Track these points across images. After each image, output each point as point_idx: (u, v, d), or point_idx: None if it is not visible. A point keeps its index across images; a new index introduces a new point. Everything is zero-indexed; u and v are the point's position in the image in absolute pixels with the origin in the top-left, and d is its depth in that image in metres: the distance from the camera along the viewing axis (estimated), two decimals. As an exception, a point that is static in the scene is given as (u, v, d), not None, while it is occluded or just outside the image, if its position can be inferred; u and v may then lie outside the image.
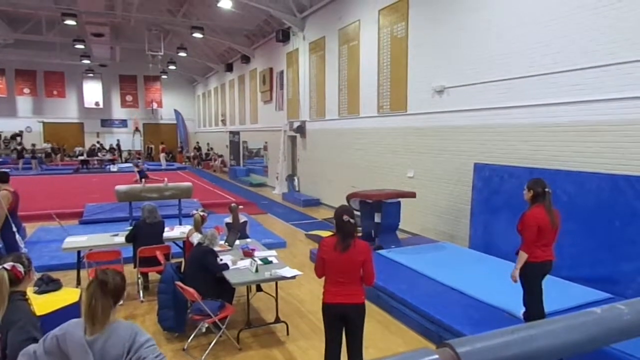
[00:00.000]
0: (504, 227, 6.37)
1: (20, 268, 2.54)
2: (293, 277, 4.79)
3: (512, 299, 4.41)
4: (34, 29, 20.22)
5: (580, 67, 5.73)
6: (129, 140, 29.98)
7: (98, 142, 27.99)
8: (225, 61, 22.33)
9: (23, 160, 22.40)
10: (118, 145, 28.80)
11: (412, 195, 7.68)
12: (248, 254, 5.38)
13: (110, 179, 16.59)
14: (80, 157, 24.21)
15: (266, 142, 18.18)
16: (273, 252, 5.69)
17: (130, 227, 6.60)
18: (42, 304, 3.58)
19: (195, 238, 5.32)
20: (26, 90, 26.75)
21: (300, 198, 13.55)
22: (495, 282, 5.10)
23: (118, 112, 29.79)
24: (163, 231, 6.28)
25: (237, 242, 5.99)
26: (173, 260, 5.76)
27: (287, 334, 4.85)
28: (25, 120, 27.34)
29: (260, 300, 5.62)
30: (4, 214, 5.60)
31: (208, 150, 27.96)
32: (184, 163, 28.06)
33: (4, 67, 25.63)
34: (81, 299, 3.94)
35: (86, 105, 28.29)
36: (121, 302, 2.24)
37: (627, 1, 5.18)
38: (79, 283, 6.02)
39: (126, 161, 27.64)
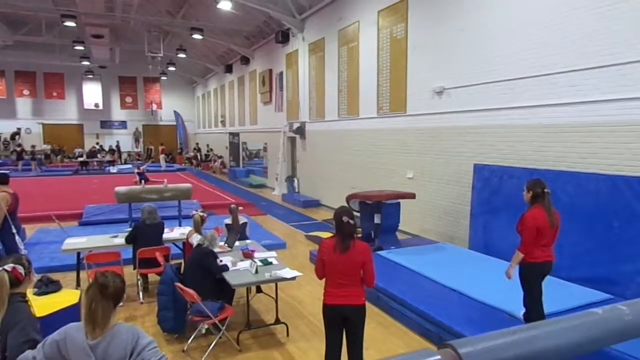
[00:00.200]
0: (503, 228, 6.37)
1: (21, 270, 2.54)
2: (293, 278, 4.80)
3: (512, 300, 4.41)
4: (33, 31, 20.23)
5: (579, 68, 5.74)
6: (129, 141, 30.00)
7: (97, 144, 27.98)
8: (224, 62, 22.35)
9: (23, 162, 22.42)
10: (117, 146, 28.80)
11: (411, 196, 7.69)
12: (248, 255, 5.38)
13: (110, 181, 16.59)
14: (80, 159, 24.21)
15: (266, 143, 18.18)
16: (273, 253, 5.69)
17: (130, 229, 6.60)
18: (42, 305, 3.57)
19: (195, 239, 5.32)
20: (26, 92, 26.74)
21: (300, 199, 13.55)
22: (495, 283, 5.09)
23: (117, 113, 29.80)
24: (163, 232, 6.28)
25: (237, 243, 5.99)
26: (173, 262, 5.75)
27: (287, 335, 4.85)
28: (24, 121, 27.34)
29: (260, 301, 5.62)
30: (3, 216, 5.60)
31: (208, 151, 27.96)
32: (183, 164, 28.05)
33: (3, 69, 25.61)
34: (81, 300, 3.93)
35: (86, 107, 28.27)
36: (121, 303, 2.24)
37: (627, 2, 5.19)
38: (78, 284, 6.02)
39: (125, 162, 27.64)
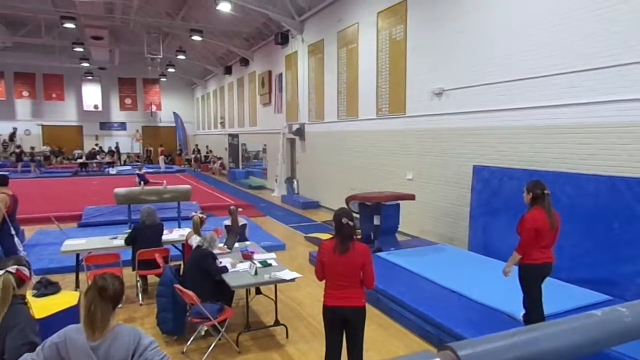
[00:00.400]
0: (503, 229, 6.37)
1: (25, 271, 2.54)
2: (292, 280, 4.79)
3: (512, 301, 4.41)
4: (33, 32, 20.23)
5: (578, 69, 5.74)
6: (128, 143, 30.00)
7: (97, 145, 27.97)
8: (224, 64, 22.36)
9: (22, 163, 22.40)
10: (117, 148, 28.80)
11: (411, 197, 7.68)
12: (247, 256, 5.38)
13: (109, 182, 16.59)
14: (79, 160, 24.20)
15: (265, 145, 18.18)
16: (272, 255, 5.68)
17: (129, 230, 6.59)
18: (41, 307, 3.56)
19: (195, 241, 5.31)
20: (25, 93, 26.75)
21: (300, 200, 13.55)
22: (495, 284, 5.09)
23: (117, 115, 29.80)
24: (162, 234, 6.27)
25: (237, 244, 5.98)
26: (172, 263, 5.75)
27: (287, 336, 4.84)
28: (24, 123, 27.33)
29: (260, 303, 5.61)
30: (2, 217, 5.59)
31: (207, 152, 27.96)
32: (183, 166, 28.05)
33: (3, 70, 25.62)
34: (80, 302, 3.93)
35: (85, 108, 28.29)
36: (120, 305, 2.24)
37: (626, 4, 5.20)
38: (77, 286, 6.01)
39: (125, 164, 27.62)
